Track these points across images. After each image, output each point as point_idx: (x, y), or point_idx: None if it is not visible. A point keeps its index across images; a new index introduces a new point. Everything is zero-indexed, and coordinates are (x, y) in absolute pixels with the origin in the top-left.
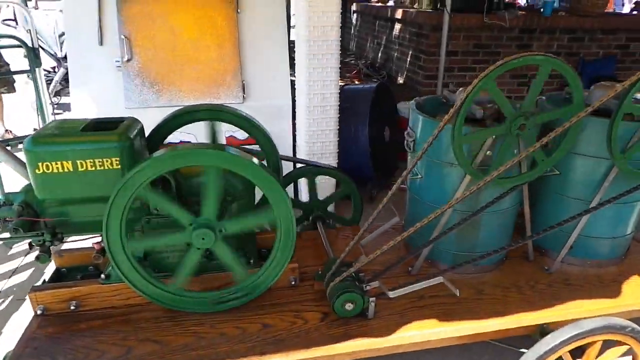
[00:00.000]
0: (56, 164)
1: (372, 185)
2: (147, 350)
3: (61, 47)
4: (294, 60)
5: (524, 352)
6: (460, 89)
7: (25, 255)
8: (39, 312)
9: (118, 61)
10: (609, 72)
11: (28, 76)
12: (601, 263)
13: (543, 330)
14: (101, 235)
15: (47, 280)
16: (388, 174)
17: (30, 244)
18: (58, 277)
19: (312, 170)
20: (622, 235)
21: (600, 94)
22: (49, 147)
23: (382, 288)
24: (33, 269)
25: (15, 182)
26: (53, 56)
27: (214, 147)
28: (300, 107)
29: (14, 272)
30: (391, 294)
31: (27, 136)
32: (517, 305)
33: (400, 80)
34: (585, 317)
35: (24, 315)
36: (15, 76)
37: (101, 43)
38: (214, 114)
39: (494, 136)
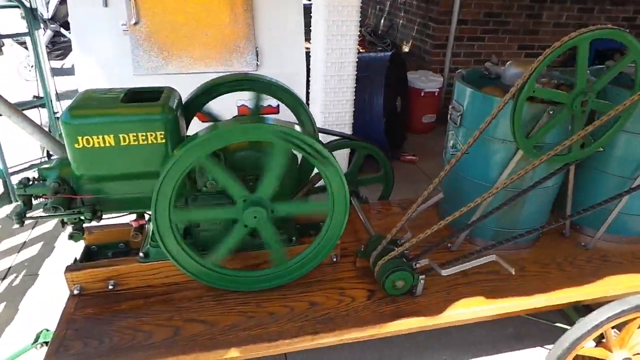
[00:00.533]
0: (97, 138)
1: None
2: (196, 331)
3: (47, 7)
4: (309, 27)
5: (553, 324)
6: (509, 62)
7: (32, 229)
8: (75, 292)
9: (124, 24)
10: (617, 45)
11: (14, 39)
12: (637, 239)
13: (576, 306)
14: (137, 213)
15: (78, 259)
16: (398, 144)
17: (62, 221)
18: (88, 255)
19: (347, 144)
20: None
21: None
22: (90, 119)
23: (432, 266)
24: (42, 242)
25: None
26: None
27: (284, 124)
28: (316, 76)
29: (23, 246)
30: (443, 272)
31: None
32: (558, 282)
33: (406, 49)
34: (625, 292)
35: (40, 290)
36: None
37: (106, 4)
38: (252, 84)
39: (551, 112)
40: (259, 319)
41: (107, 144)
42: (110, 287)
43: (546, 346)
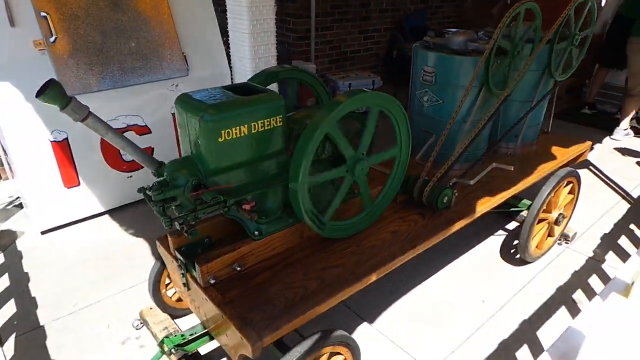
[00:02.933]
0: (235, 129)
1: None
2: (334, 273)
3: None
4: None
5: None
6: (450, 34)
7: None
8: (212, 281)
9: (41, 44)
10: (422, 23)
11: None
12: (532, 142)
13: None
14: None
15: (182, 259)
16: None
17: (170, 222)
18: (188, 253)
19: None
20: (538, 123)
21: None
22: (229, 113)
23: (462, 182)
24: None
25: None
26: None
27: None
28: (244, 72)
29: None
30: (471, 182)
31: None
32: (515, 176)
33: None
34: (548, 171)
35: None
36: None
37: (12, 23)
38: (293, 73)
39: (498, 62)
40: (368, 252)
41: (242, 134)
42: (238, 269)
43: (498, 234)
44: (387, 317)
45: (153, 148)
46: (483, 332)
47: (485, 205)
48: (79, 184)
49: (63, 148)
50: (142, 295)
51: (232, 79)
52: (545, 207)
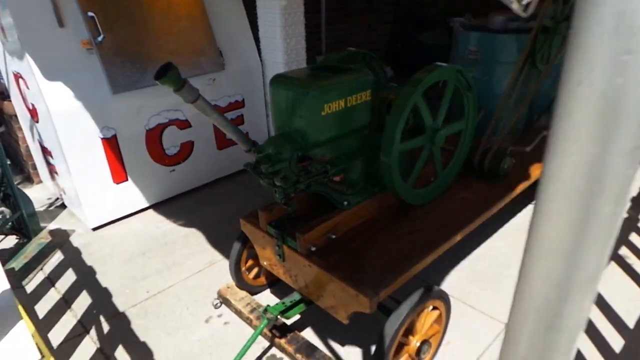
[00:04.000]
0: (335, 103)
1: None
2: (423, 236)
3: None
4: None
5: None
6: (489, 15)
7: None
8: (312, 249)
9: (88, 43)
10: (425, 14)
11: None
12: None
13: None
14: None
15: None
16: None
17: (283, 192)
18: (279, 226)
19: None
20: None
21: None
22: (331, 88)
23: (520, 149)
24: None
25: None
26: None
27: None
28: (277, 64)
29: None
30: (527, 149)
31: None
32: None
33: None
34: None
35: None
36: None
37: (61, 24)
38: (359, 55)
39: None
40: (446, 216)
41: (340, 107)
42: (333, 237)
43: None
44: (452, 280)
45: (193, 142)
46: None
47: (537, 169)
48: (127, 180)
49: (112, 145)
50: (211, 278)
51: (262, 71)
52: None
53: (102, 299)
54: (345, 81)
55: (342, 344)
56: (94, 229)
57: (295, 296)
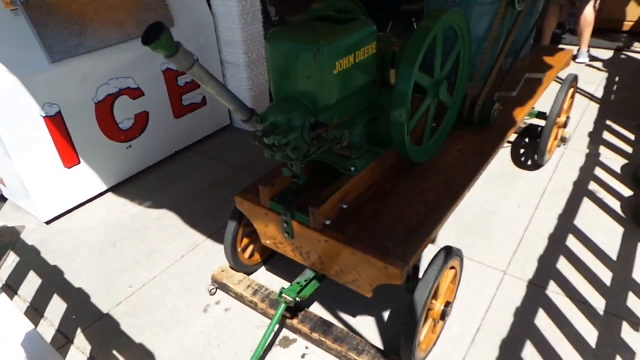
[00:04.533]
0: (345, 59)
1: None
2: (433, 195)
3: None
4: None
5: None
6: None
7: None
8: (327, 222)
9: (12, 2)
10: None
11: None
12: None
13: None
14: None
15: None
16: None
17: (300, 163)
18: (283, 201)
19: None
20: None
21: None
22: (341, 42)
23: (507, 95)
24: None
25: None
26: None
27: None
28: (231, 16)
29: None
30: (513, 93)
31: None
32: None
33: None
34: None
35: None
36: None
37: None
38: (347, 4)
39: None
40: (450, 170)
41: (349, 64)
42: (344, 207)
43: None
44: (443, 234)
45: (148, 112)
46: (531, 232)
47: (522, 113)
48: (79, 162)
49: (57, 123)
50: (198, 262)
51: (215, 25)
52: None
53: (79, 301)
54: (354, 33)
55: (354, 315)
56: (48, 222)
57: (308, 274)
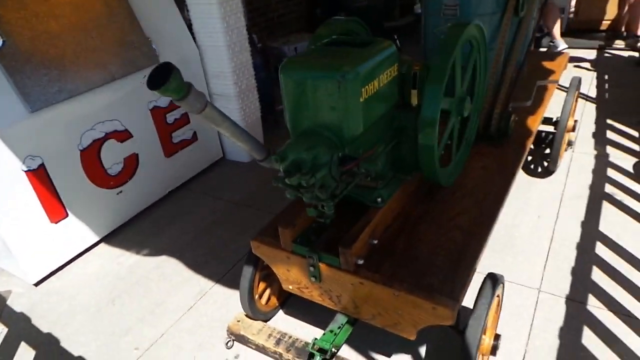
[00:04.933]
0: (371, 84)
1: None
2: (466, 219)
3: None
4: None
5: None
6: None
7: None
8: (360, 262)
9: None
10: None
11: None
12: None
13: None
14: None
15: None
16: None
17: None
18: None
19: None
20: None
21: None
22: (366, 67)
23: (521, 105)
24: None
25: None
26: None
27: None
28: (218, 47)
29: None
30: (528, 103)
31: None
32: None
33: None
34: None
35: None
36: None
37: None
38: (351, 25)
39: None
40: (477, 190)
41: (375, 89)
42: (374, 242)
43: None
44: None
45: (137, 154)
46: (557, 243)
47: (536, 121)
48: (67, 215)
49: (40, 177)
50: (208, 312)
51: (201, 58)
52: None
53: None
54: (376, 56)
55: (389, 355)
56: (37, 284)
57: (340, 320)
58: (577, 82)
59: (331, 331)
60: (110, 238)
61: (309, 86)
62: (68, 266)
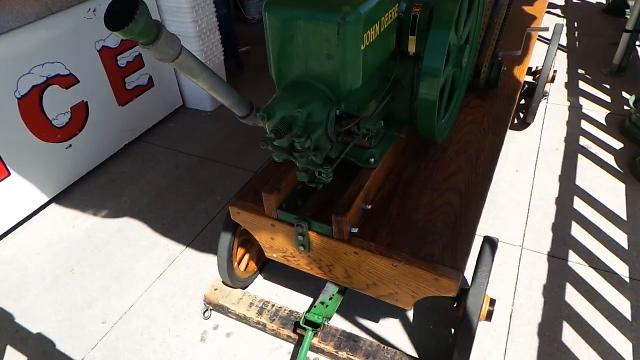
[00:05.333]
0: (372, 29)
1: None
2: (461, 179)
3: None
4: None
5: None
6: None
7: None
8: (354, 230)
9: None
10: None
11: None
12: None
13: None
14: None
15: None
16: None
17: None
18: (290, 208)
19: None
20: None
21: None
22: (366, 9)
23: (511, 54)
24: None
25: None
26: None
27: None
28: None
29: None
30: (518, 53)
31: None
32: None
33: None
34: None
35: None
36: None
37: None
38: None
39: None
40: (470, 147)
41: (376, 35)
42: (368, 207)
43: None
44: None
45: (87, 103)
46: (536, 198)
47: (523, 71)
48: (9, 174)
49: None
50: (180, 280)
51: None
52: None
53: (43, 350)
54: None
55: (379, 322)
56: None
57: (331, 289)
58: (560, 29)
59: (322, 303)
60: (62, 198)
61: (300, 28)
62: (15, 231)
